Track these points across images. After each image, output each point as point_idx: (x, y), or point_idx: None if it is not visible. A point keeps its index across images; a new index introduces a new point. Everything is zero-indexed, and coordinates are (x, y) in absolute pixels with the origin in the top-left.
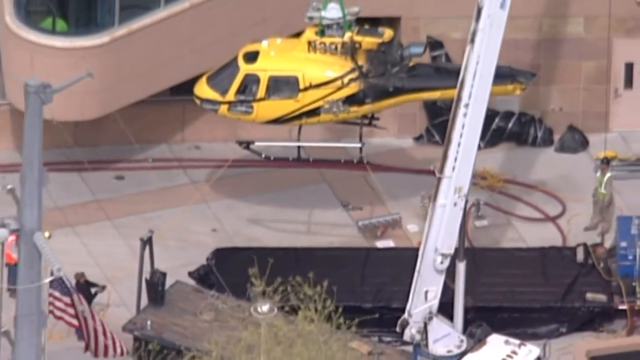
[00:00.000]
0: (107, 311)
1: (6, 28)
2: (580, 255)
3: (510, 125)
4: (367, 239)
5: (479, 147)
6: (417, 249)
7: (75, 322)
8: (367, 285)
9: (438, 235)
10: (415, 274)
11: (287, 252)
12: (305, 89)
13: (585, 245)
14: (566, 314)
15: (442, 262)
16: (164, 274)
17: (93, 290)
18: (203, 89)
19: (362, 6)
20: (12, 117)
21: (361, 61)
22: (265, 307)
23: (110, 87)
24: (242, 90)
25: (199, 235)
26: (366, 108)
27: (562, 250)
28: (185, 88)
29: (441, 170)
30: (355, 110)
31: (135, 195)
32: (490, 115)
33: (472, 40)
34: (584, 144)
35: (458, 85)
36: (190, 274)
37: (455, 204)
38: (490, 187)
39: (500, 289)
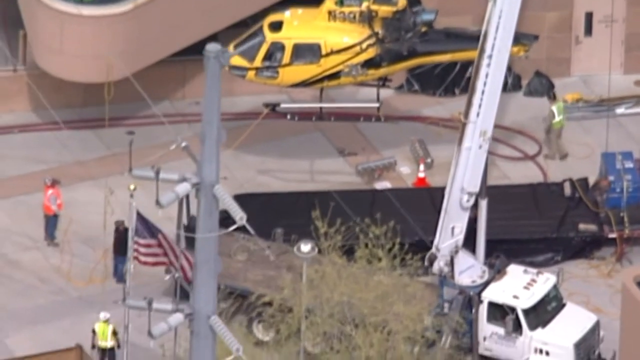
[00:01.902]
0: None
1: (36, 1)
2: (567, 190)
3: None
4: (366, 181)
5: (455, 94)
6: (413, 189)
7: (164, 259)
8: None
9: (464, 175)
10: (442, 212)
11: (299, 196)
12: (327, 54)
13: (571, 180)
14: (561, 244)
15: (468, 200)
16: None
17: None
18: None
19: None
20: (28, 81)
21: (377, 28)
22: (306, 247)
23: (132, 50)
24: (268, 57)
25: None
26: (382, 71)
27: (550, 186)
28: (185, 49)
29: (466, 116)
30: (373, 73)
31: (147, 149)
32: (464, 65)
33: None
34: (550, 87)
35: (481, 38)
36: None
37: (480, 147)
38: None
39: (499, 223)
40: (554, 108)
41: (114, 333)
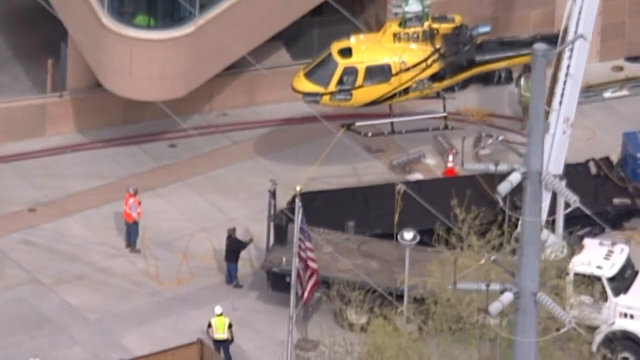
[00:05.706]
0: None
1: (103, 28)
2: (593, 169)
3: None
4: (398, 174)
5: (454, 90)
6: (445, 179)
7: (314, 265)
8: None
9: (548, 159)
10: None
11: (354, 192)
12: (397, 73)
13: (594, 159)
14: (598, 217)
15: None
16: (288, 216)
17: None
18: (303, 84)
19: None
20: (72, 105)
21: (439, 44)
22: (409, 235)
23: (192, 68)
24: (341, 81)
25: (260, 186)
26: (445, 83)
27: (576, 167)
28: None
29: (549, 105)
30: (437, 86)
31: (192, 159)
32: None
33: None
34: None
35: (561, 33)
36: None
37: (564, 132)
38: (480, 121)
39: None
40: (523, 82)
41: (229, 326)
